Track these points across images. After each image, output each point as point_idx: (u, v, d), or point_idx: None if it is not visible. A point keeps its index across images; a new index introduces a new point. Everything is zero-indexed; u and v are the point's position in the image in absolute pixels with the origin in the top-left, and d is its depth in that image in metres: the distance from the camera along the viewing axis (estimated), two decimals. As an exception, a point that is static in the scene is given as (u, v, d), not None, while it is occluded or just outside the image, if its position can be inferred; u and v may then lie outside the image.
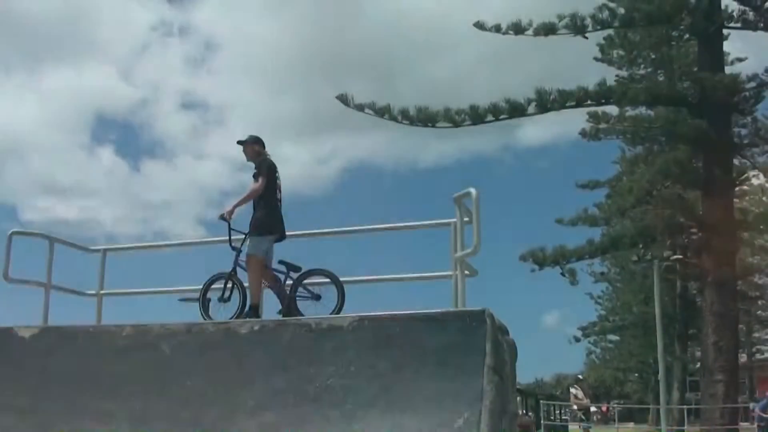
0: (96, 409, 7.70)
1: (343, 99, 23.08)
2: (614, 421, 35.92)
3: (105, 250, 9.54)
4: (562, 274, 25.26)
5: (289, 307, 8.34)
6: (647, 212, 29.04)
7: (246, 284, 8.47)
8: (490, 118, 22.64)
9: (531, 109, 22.82)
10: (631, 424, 46.51)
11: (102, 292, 9.35)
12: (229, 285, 8.55)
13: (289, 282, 8.54)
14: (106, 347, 8.08)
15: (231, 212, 8.48)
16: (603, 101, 23.83)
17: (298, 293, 8.53)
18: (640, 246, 27.38)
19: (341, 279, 8.28)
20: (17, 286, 9.10)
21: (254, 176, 8.53)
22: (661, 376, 29.26)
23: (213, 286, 8.67)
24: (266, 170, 8.50)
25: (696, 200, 26.20)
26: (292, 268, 8.60)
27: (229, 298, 8.54)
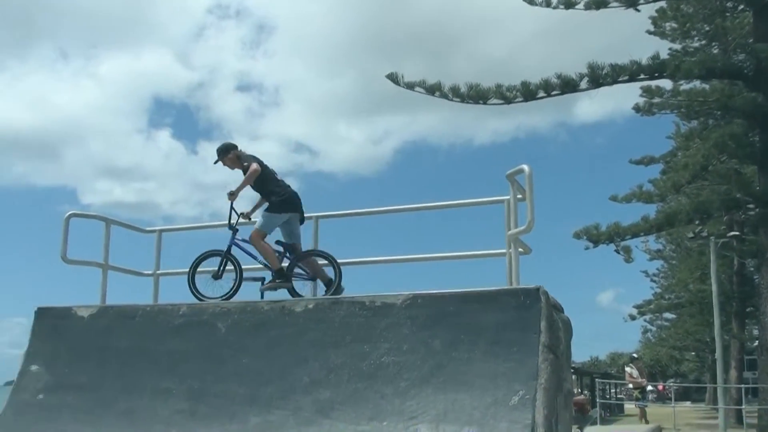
0: (154, 386, 7.85)
1: (394, 78, 22.95)
2: (670, 400, 35.52)
3: (161, 231, 9.66)
4: (617, 252, 24.97)
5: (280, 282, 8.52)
6: (703, 188, 28.55)
7: (249, 262, 8.74)
8: (541, 94, 22.35)
9: (583, 84, 22.45)
10: (688, 403, 46.07)
11: (158, 272, 9.47)
12: (225, 263, 8.73)
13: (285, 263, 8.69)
14: (163, 326, 8.21)
15: (236, 193, 8.64)
16: (656, 75, 23.33)
17: (296, 273, 8.67)
18: (696, 222, 26.82)
19: (392, 257, 8.30)
20: (76, 267, 9.27)
21: (245, 168, 8.71)
22: (718, 354, 28.86)
23: (203, 264, 8.90)
24: (253, 159, 8.69)
25: (752, 175, 25.64)
26: (289, 248, 8.68)
27: (221, 276, 8.70)
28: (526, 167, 7.40)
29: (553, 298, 6.89)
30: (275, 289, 8.53)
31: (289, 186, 8.83)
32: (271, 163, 8.78)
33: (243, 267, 8.72)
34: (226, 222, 8.84)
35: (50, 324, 8.84)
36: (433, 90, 22.79)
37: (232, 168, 8.90)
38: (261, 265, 8.71)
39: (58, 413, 8.08)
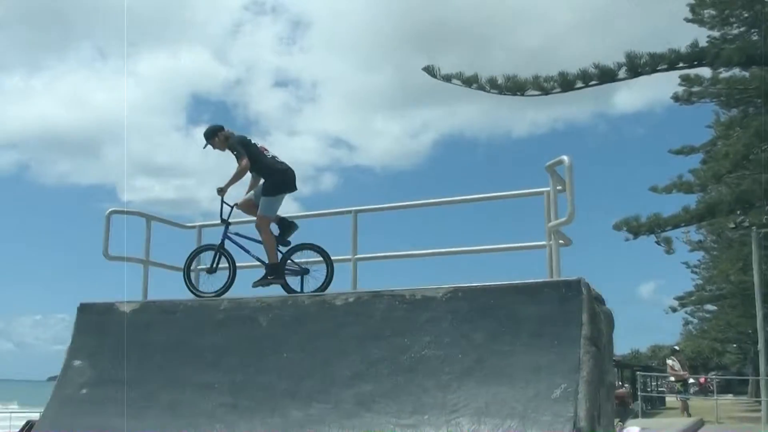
0: (196, 381, 7.90)
1: (430, 70, 22.85)
2: (712, 392, 35.12)
3: (201, 227, 9.72)
4: (658, 243, 24.75)
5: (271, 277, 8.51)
6: (744, 177, 28.15)
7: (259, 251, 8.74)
8: (579, 84, 22.15)
9: (622, 73, 22.21)
10: (730, 396, 45.42)
11: (199, 267, 9.53)
12: (219, 257, 8.77)
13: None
14: (204, 321, 8.27)
15: (225, 189, 8.65)
16: (695, 63, 23.04)
17: (286, 267, 8.67)
18: (738, 212, 26.49)
19: (431, 251, 8.27)
20: (117, 264, 9.36)
21: (236, 158, 8.67)
22: (760, 346, 28.50)
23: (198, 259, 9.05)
24: (241, 146, 8.64)
25: (795, 164, 25.24)
26: (281, 242, 8.69)
27: (215, 270, 8.74)
28: (566, 158, 7.35)
29: (595, 290, 6.83)
30: (268, 285, 8.56)
31: (281, 163, 8.78)
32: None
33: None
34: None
35: (93, 320, 8.94)
36: (471, 82, 22.67)
37: (222, 149, 8.87)
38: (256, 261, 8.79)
39: (102, 407, 8.16)
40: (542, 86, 22.18)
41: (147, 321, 8.59)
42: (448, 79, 22.92)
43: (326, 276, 8.55)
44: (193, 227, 9.73)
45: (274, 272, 8.52)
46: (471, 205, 9.01)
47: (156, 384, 8.12)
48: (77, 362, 8.79)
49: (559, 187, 7.55)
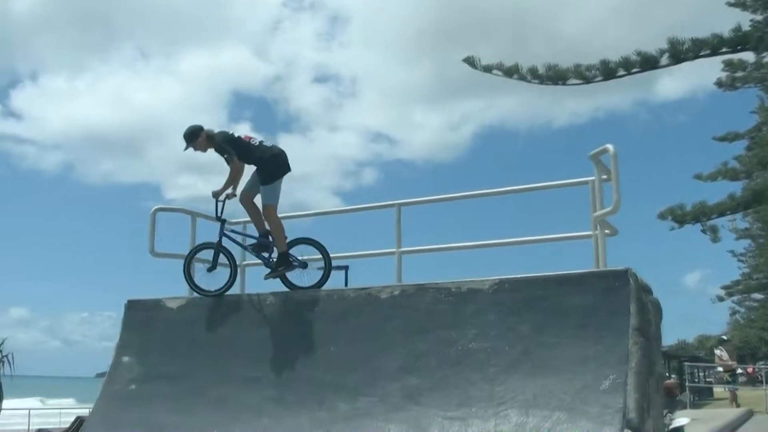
0: (243, 375, 7.97)
1: (470, 61, 22.72)
2: (761, 382, 34.61)
3: (245, 223, 9.76)
4: (703, 232, 24.43)
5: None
6: (790, 163, 27.68)
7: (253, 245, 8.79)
8: (621, 72, 21.89)
9: (664, 60, 21.92)
10: (779, 386, 44.78)
11: (245, 262, 9.57)
12: (218, 255, 8.66)
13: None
14: (250, 316, 8.33)
15: (220, 193, 8.50)
16: (739, 48, 22.68)
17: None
18: (785, 199, 26.08)
19: (477, 243, 8.22)
20: (163, 260, 9.43)
21: (226, 160, 8.47)
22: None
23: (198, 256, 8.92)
24: (227, 144, 8.42)
25: (841, 148, 24.78)
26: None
27: (215, 267, 8.65)
28: (610, 147, 7.26)
29: (643, 280, 6.75)
30: (279, 276, 8.48)
31: (270, 148, 8.55)
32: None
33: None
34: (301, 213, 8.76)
35: (140, 316, 9.04)
36: (511, 72, 22.50)
37: (205, 150, 8.64)
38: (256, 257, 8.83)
39: (150, 402, 8.26)
40: (584, 75, 21.96)
41: (194, 317, 8.67)
42: (488, 69, 22.76)
43: (324, 271, 8.50)
44: (238, 223, 9.77)
45: (284, 262, 8.47)
46: (513, 197, 8.93)
47: (203, 379, 8.19)
48: (126, 358, 8.90)
49: (604, 177, 7.47)
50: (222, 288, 8.63)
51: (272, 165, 8.49)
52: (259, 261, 8.80)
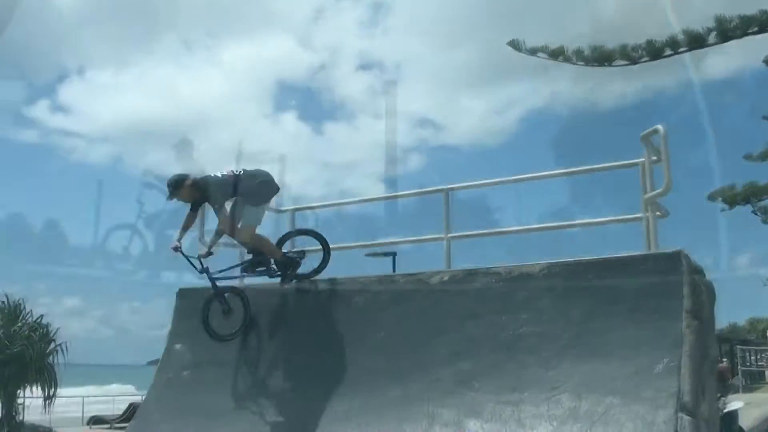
0: (294, 361, 8.05)
1: (515, 44, 22.51)
2: (815, 365, 34.08)
3: (294, 210, 9.80)
4: (754, 213, 24.04)
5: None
6: (843, 139, 27.06)
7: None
8: (668, 52, 21.57)
9: (711, 38, 21.52)
10: (834, 368, 43.97)
11: (293, 250, 9.62)
12: (224, 300, 8.44)
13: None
14: (301, 303, 8.43)
15: (209, 253, 8.29)
16: (788, 24, 22.25)
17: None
18: (839, 177, 25.52)
19: (526, 227, 8.17)
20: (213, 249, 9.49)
21: (216, 211, 8.21)
22: None
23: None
24: (217, 190, 8.13)
25: None
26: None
27: (230, 309, 8.41)
28: (660, 127, 7.18)
29: (695, 262, 6.66)
30: (293, 279, 8.47)
31: (253, 175, 8.30)
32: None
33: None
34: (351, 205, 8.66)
35: (192, 304, 9.11)
36: (557, 54, 22.25)
37: (189, 200, 8.24)
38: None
39: (203, 388, 8.38)
40: (630, 56, 21.64)
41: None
42: (534, 52, 22.53)
43: (322, 260, 8.52)
44: (286, 211, 9.82)
45: (288, 264, 8.49)
46: (561, 180, 8.85)
47: (254, 366, 8.27)
48: (178, 346, 9.02)
49: (654, 158, 7.38)
50: (236, 330, 8.47)
51: (260, 191, 8.36)
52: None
